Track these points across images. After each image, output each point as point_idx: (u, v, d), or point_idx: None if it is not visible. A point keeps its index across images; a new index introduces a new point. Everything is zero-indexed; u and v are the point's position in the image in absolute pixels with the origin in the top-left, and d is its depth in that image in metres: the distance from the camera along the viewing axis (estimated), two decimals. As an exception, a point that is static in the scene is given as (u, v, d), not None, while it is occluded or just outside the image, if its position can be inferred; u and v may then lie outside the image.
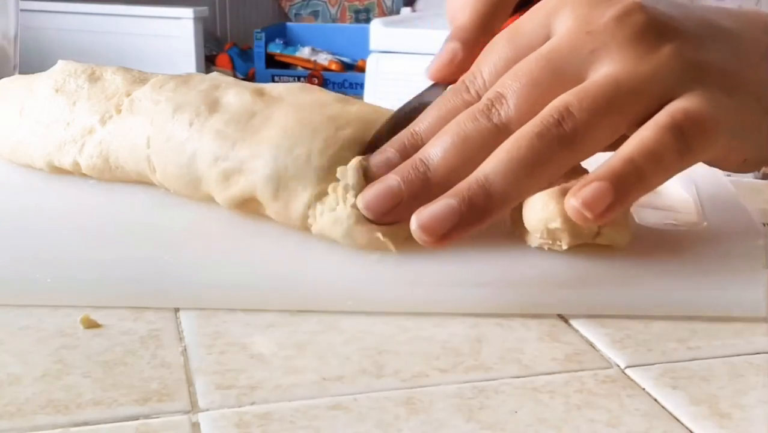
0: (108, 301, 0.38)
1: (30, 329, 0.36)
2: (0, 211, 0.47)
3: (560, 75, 0.38)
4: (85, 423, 0.29)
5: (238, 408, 0.30)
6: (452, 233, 0.36)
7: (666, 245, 0.44)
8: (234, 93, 0.48)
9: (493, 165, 0.36)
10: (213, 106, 0.47)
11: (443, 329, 0.37)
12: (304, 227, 0.43)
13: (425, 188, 0.38)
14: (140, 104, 0.49)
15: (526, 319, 0.38)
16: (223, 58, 3.36)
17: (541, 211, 0.41)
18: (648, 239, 0.45)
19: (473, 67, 0.42)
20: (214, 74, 0.51)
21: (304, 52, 3.42)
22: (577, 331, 0.37)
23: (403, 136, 0.42)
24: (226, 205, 0.46)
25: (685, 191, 0.54)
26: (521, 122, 0.37)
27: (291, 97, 0.47)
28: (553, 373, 0.34)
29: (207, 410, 0.30)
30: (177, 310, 0.38)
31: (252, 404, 0.31)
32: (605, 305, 0.39)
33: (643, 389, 0.33)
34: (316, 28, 3.63)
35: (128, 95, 0.50)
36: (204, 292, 0.39)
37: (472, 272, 0.40)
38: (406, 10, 3.43)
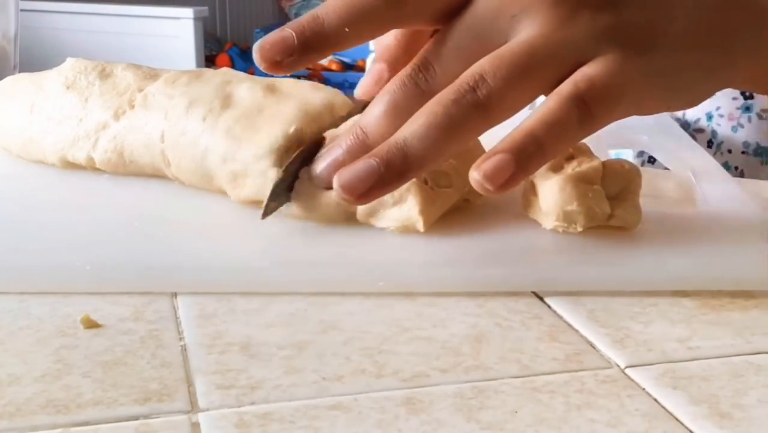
0: (120, 288, 0.40)
1: (30, 329, 0.36)
2: (15, 203, 0.48)
3: (483, 40, 0.40)
4: (85, 423, 0.29)
5: (238, 408, 0.30)
6: (371, 192, 0.38)
7: (673, 227, 0.47)
8: (246, 87, 0.49)
9: (411, 129, 0.38)
10: (226, 101, 0.48)
11: (443, 329, 0.37)
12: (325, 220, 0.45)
13: (365, 153, 0.39)
14: (154, 99, 0.50)
15: (526, 319, 0.38)
16: (223, 58, 3.36)
17: (558, 194, 0.43)
18: (654, 222, 0.46)
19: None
20: (226, 69, 0.52)
21: (304, 52, 3.42)
22: (577, 331, 0.37)
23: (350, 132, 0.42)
24: (238, 202, 0.47)
25: (682, 178, 0.56)
26: (446, 86, 0.39)
27: (301, 94, 0.48)
28: (553, 373, 0.34)
29: (207, 410, 0.30)
30: (177, 310, 0.38)
31: (252, 404, 0.31)
32: (618, 281, 0.41)
33: (643, 389, 0.33)
34: (316, 28, 3.63)
35: (140, 91, 0.51)
36: (231, 276, 0.40)
37: (487, 252, 0.43)
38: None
